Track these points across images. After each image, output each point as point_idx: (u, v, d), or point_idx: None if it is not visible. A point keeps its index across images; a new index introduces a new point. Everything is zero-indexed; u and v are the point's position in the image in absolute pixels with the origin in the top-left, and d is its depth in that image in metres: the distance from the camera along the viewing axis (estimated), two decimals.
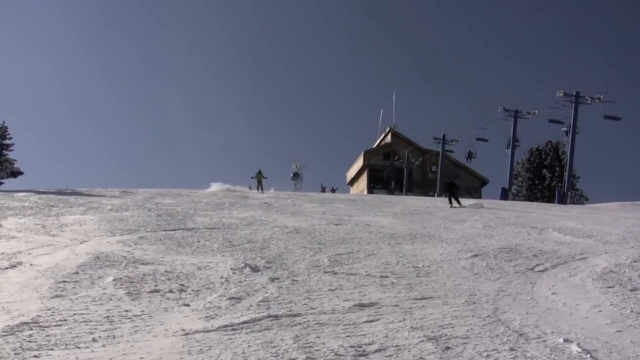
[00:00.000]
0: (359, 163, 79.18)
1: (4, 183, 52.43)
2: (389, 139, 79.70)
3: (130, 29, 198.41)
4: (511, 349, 7.25)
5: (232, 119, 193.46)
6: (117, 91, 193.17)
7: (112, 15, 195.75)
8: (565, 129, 58.15)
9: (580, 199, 67.91)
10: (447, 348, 7.24)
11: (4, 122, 53.47)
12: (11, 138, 53.51)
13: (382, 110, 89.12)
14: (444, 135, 70.29)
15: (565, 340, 7.60)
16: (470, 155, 67.43)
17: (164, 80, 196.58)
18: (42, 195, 31.58)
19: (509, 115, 62.85)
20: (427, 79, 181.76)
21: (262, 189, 50.35)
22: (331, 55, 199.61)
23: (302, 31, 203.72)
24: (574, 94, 56.73)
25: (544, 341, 7.64)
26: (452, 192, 32.81)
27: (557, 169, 69.00)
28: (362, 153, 78.66)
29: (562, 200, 52.87)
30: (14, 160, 53.32)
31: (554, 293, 10.51)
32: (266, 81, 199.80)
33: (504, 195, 58.90)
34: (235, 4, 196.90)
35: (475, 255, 14.10)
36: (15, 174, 53.38)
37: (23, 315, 8.28)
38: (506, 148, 66.44)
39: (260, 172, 51.60)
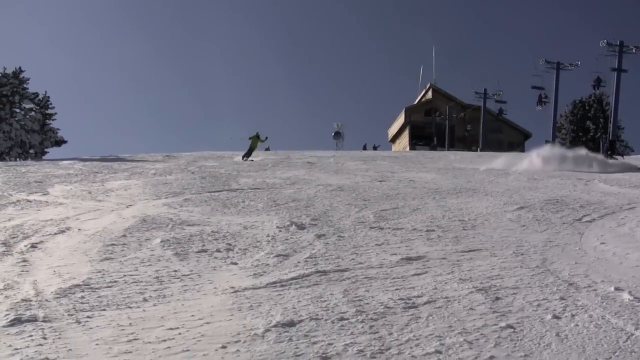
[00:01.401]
0: (400, 120, 78.77)
1: (48, 152, 52.98)
2: (430, 95, 79.13)
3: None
4: (561, 298, 7.22)
5: (272, 81, 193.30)
6: (157, 56, 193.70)
7: None
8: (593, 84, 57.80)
9: (625, 150, 66.98)
10: (497, 298, 7.23)
11: (46, 92, 53.92)
12: (54, 107, 53.96)
13: (422, 66, 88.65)
14: (485, 90, 69.61)
15: (617, 289, 7.55)
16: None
17: (204, 43, 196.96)
18: (87, 163, 31.87)
19: (551, 68, 62.00)
20: (467, 33, 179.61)
21: (247, 156, 37.94)
22: (371, 13, 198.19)
23: None
24: (618, 43, 55.77)
25: (595, 290, 7.60)
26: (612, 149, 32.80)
27: (601, 120, 68.05)
28: (403, 110, 78.20)
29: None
30: (58, 129, 53.82)
31: (603, 243, 10.43)
32: (305, 41, 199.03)
33: None
34: None
35: (522, 208, 14.03)
36: (59, 142, 53.87)
37: (74, 278, 8.39)
38: (536, 105, 65.74)
39: (257, 136, 40.21)
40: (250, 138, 39.88)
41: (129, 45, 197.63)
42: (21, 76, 52.12)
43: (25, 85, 52.09)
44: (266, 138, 41.14)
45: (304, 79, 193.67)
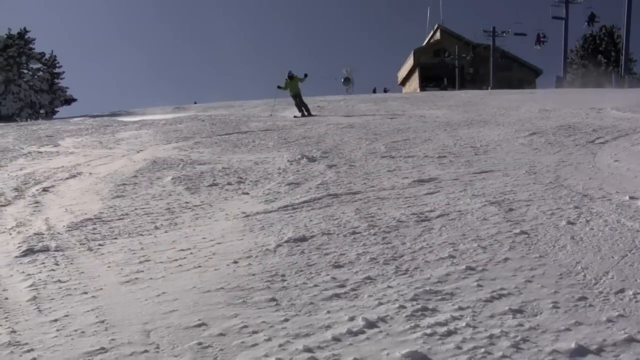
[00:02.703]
0: (409, 63, 78.05)
1: (58, 111, 52.91)
2: (438, 36, 78.41)
3: None
4: (576, 207, 7.17)
5: (278, 29, 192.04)
6: (162, 9, 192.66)
7: None
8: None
9: (638, 82, 66.28)
10: (511, 210, 7.19)
11: (52, 51, 53.76)
12: (61, 66, 53.76)
13: (429, 7, 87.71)
14: (493, 28, 68.78)
15: (631, 198, 7.50)
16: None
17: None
18: (97, 118, 31.83)
19: (561, 2, 61.12)
20: None
21: (305, 108, 26.18)
22: None
23: None
24: None
25: (609, 200, 7.55)
26: None
27: (612, 54, 67.21)
28: (412, 52, 77.54)
29: (619, 84, 51.67)
30: (66, 88, 53.65)
31: (617, 160, 10.36)
32: None
33: (559, 83, 57.76)
34: None
35: (534, 134, 13.93)
36: (69, 101, 53.74)
37: (86, 214, 8.40)
38: (534, 44, 65.14)
39: (294, 77, 26.64)
40: (285, 86, 26.80)
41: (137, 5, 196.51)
42: (27, 37, 51.85)
43: (31, 46, 51.83)
44: (306, 76, 27.03)
45: (310, 25, 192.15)
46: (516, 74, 70.78)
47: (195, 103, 43.04)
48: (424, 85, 72.39)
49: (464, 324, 4.12)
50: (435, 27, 78.67)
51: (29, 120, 45.20)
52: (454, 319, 4.22)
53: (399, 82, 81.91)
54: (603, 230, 6.18)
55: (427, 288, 4.80)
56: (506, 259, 5.39)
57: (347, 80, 72.69)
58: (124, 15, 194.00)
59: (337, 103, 32.77)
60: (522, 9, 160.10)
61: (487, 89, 56.20)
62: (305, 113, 26.08)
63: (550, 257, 5.41)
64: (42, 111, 50.74)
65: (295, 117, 25.49)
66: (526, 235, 6.09)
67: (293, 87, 26.83)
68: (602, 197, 7.68)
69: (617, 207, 7.11)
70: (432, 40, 79.03)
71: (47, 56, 52.87)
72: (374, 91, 64.92)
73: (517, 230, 6.26)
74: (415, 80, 76.18)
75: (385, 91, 65.95)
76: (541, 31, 65.23)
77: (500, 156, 11.31)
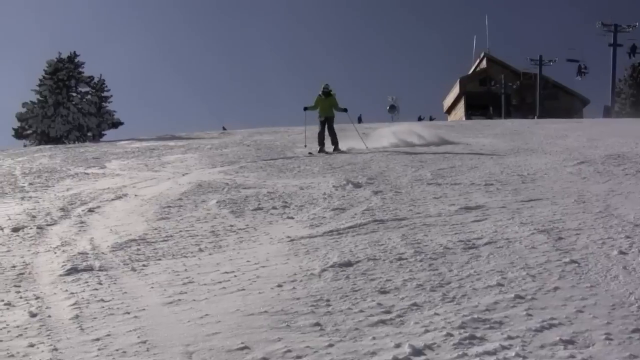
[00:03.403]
0: (455, 91, 77.92)
1: (105, 134, 53.41)
2: (484, 64, 78.18)
3: None
4: (627, 237, 7.02)
5: (324, 56, 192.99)
6: (208, 36, 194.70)
7: None
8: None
9: None
10: (560, 238, 7.06)
11: (101, 75, 54.30)
12: (109, 90, 54.31)
13: (475, 36, 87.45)
14: (540, 56, 68.48)
15: None
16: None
17: (256, 18, 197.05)
18: (143, 142, 32.11)
19: (609, 31, 60.66)
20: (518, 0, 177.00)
21: (333, 140, 20.88)
22: None
23: None
24: None
25: None
26: None
27: None
28: (458, 80, 77.42)
29: None
30: (114, 111, 54.10)
31: None
32: (356, 15, 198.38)
33: (607, 113, 57.19)
34: None
35: (582, 162, 13.72)
36: (116, 124, 54.20)
37: (130, 235, 8.42)
38: (576, 75, 64.78)
39: (331, 95, 21.07)
40: (315, 105, 21.12)
41: (182, 26, 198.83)
42: (76, 60, 52.58)
43: (80, 70, 52.52)
44: (345, 110, 21.74)
45: (356, 54, 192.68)
46: (563, 103, 70.21)
47: (224, 129, 42.84)
48: (470, 113, 72.08)
49: (513, 354, 4.02)
50: (482, 56, 78.50)
51: (76, 142, 45.69)
52: (503, 348, 4.12)
53: (444, 110, 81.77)
54: None
55: (475, 316, 4.70)
56: (556, 288, 5.28)
57: (392, 108, 72.66)
58: (170, 40, 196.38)
59: (382, 130, 32.73)
60: (569, 37, 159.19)
61: (534, 117, 55.75)
62: (332, 147, 20.60)
63: (602, 287, 5.28)
64: (89, 134, 51.30)
65: (310, 153, 19.86)
66: (576, 265, 5.96)
67: (326, 108, 20.83)
68: None
69: None
70: (478, 69, 78.85)
71: (95, 80, 53.49)
72: (420, 119, 64.77)
73: (567, 259, 6.13)
74: (460, 109, 75.97)
75: (431, 119, 65.75)
76: (583, 62, 64.90)
77: (548, 184, 11.15)
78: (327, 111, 21.13)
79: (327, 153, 20.07)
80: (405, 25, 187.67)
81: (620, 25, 60.55)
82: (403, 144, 21.56)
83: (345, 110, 21.80)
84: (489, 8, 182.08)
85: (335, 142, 20.94)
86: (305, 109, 21.69)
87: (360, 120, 59.23)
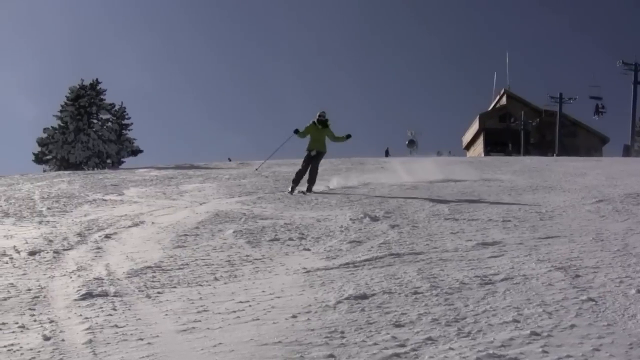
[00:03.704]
0: (474, 127, 77.99)
1: (125, 162, 53.73)
2: (504, 101, 78.24)
3: (244, 5, 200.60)
4: None
5: (343, 90, 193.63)
6: (230, 67, 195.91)
7: None
8: None
9: None
10: (577, 276, 7.00)
11: (122, 102, 54.77)
12: (129, 118, 54.75)
13: (495, 73, 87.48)
14: (560, 94, 68.52)
15: None
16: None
17: (274, 50, 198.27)
18: (162, 170, 32.23)
19: (629, 69, 60.68)
20: (540, 37, 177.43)
21: (313, 178, 18.06)
22: (443, 20, 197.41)
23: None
24: None
25: None
26: None
27: None
28: (478, 116, 77.49)
29: None
30: (134, 139, 54.47)
31: None
32: (377, 49, 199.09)
33: (626, 152, 57.03)
34: None
35: (600, 201, 13.65)
36: (136, 152, 54.59)
37: (146, 262, 8.44)
38: (593, 115, 64.91)
39: (326, 124, 18.15)
40: (305, 132, 18.17)
41: (205, 56, 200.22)
42: (98, 87, 53.14)
43: (102, 97, 53.08)
44: (348, 136, 18.63)
45: (376, 88, 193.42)
46: (582, 141, 70.17)
47: (229, 160, 42.79)
48: (489, 150, 72.10)
49: None
50: (502, 92, 78.61)
51: (95, 169, 45.96)
52: None
53: (463, 146, 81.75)
54: None
55: (490, 352, 4.67)
56: (572, 326, 5.23)
57: (411, 143, 72.85)
58: (194, 70, 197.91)
59: (401, 165, 32.73)
60: (590, 75, 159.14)
61: (553, 155, 55.63)
62: (306, 185, 17.82)
63: (620, 326, 5.23)
64: (108, 161, 51.67)
65: (290, 192, 17.35)
66: (593, 302, 5.91)
67: (320, 141, 17.95)
68: None
69: None
70: (498, 105, 78.95)
71: (116, 107, 53.93)
72: (438, 154, 64.76)
73: (584, 297, 6.08)
74: (479, 145, 75.95)
75: (449, 155, 65.73)
76: (601, 102, 65.05)
77: (566, 222, 11.10)
78: (320, 145, 17.97)
79: (302, 193, 17.23)
80: (427, 61, 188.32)
81: None
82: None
83: (349, 136, 18.54)
84: (510, 45, 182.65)
85: (312, 181, 17.83)
86: (296, 132, 18.09)
87: (387, 153, 59.48)
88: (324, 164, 20.94)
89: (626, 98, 62.73)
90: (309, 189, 17.69)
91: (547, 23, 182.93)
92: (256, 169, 20.90)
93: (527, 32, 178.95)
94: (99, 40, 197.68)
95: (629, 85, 62.13)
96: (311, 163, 17.98)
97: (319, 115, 18.12)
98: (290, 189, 17.58)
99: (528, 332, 5.08)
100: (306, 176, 17.99)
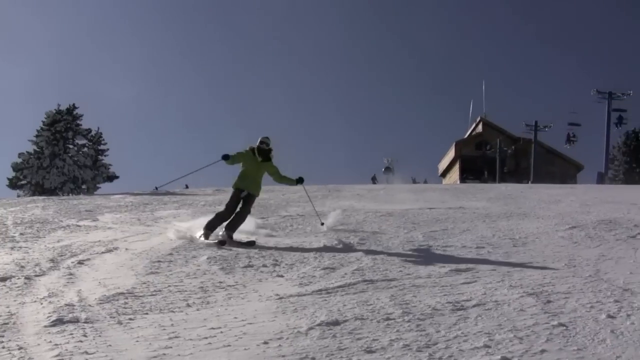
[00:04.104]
0: (450, 154, 78.45)
1: (100, 187, 53.53)
2: (480, 128, 78.79)
3: (213, 29, 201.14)
4: (616, 301, 7.07)
5: (318, 115, 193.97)
6: (206, 91, 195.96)
7: (195, 16, 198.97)
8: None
9: None
10: (549, 302, 7.08)
11: (98, 128, 54.66)
12: (106, 143, 54.62)
13: (472, 100, 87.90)
14: (535, 122, 69.13)
15: None
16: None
17: (255, 76, 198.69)
18: (137, 196, 32.11)
19: (603, 98, 61.45)
20: (516, 65, 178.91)
21: (238, 223, 12.91)
22: (419, 48, 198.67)
23: (387, 24, 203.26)
24: None
25: None
26: None
27: None
28: (454, 144, 77.96)
29: None
30: (110, 165, 54.39)
31: None
32: (352, 76, 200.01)
33: (600, 179, 57.55)
34: (319, 3, 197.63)
35: (574, 227, 13.76)
36: (111, 178, 54.42)
37: (119, 288, 8.37)
38: (565, 143, 65.81)
39: (268, 155, 13.28)
40: (238, 159, 13.33)
41: (181, 82, 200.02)
42: (75, 112, 53.06)
43: (78, 122, 52.98)
44: (299, 181, 13.83)
45: (350, 115, 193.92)
46: (557, 168, 70.76)
47: (186, 187, 42.11)
48: (464, 177, 72.50)
49: None
50: (478, 120, 79.17)
51: (70, 194, 45.73)
52: None
53: (439, 174, 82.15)
54: None
55: None
56: (543, 351, 5.28)
57: (387, 170, 73.11)
58: (169, 95, 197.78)
59: (377, 192, 32.81)
60: (566, 103, 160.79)
61: (528, 182, 56.01)
62: (229, 232, 12.67)
63: (589, 350, 5.28)
64: (84, 186, 51.44)
65: (204, 237, 12.79)
66: (564, 328, 5.96)
67: (253, 176, 13.17)
68: None
69: None
70: (474, 133, 79.46)
71: (93, 132, 53.80)
72: (414, 181, 65.01)
73: (555, 322, 6.13)
74: (455, 172, 76.34)
75: (425, 182, 66.04)
76: (572, 131, 66.02)
77: (539, 248, 11.20)
78: (254, 184, 13.16)
79: (219, 244, 12.24)
80: (404, 88, 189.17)
81: (614, 92, 61.41)
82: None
83: (300, 181, 13.79)
84: (486, 73, 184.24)
85: (234, 228, 12.80)
86: (225, 158, 13.17)
87: (374, 180, 59.67)
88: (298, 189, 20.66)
89: (601, 126, 63.45)
90: (229, 236, 12.59)
91: (523, 51, 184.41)
92: (156, 188, 16.67)
93: (504, 60, 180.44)
94: (78, 64, 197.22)
95: (604, 113, 63.01)
96: (240, 206, 13.05)
97: (261, 142, 13.30)
98: (202, 234, 12.89)
99: (499, 357, 5.11)
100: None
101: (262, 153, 13.21)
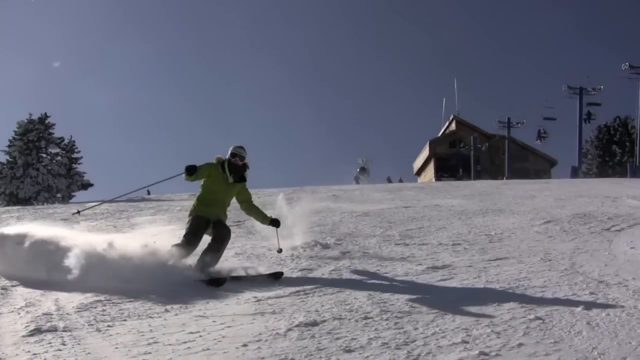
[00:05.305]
0: (425, 153, 78.52)
1: (75, 196, 53.24)
2: (453, 126, 78.98)
3: (194, 35, 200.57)
4: (592, 293, 7.16)
5: (293, 117, 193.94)
6: (182, 97, 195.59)
7: (177, 23, 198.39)
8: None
9: None
10: (525, 296, 7.18)
11: (71, 136, 54.35)
12: (79, 152, 54.34)
13: (444, 99, 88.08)
14: (509, 119, 69.34)
15: None
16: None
17: (228, 80, 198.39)
18: (113, 203, 31.94)
19: (574, 93, 61.87)
20: (487, 63, 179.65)
21: (218, 256, 9.55)
22: (393, 48, 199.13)
23: (359, 24, 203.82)
24: None
25: (625, 286, 7.54)
26: None
27: (627, 144, 67.21)
28: (428, 143, 78.08)
29: (635, 174, 51.61)
30: (84, 172, 54.11)
31: (633, 248, 10.34)
32: (325, 75, 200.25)
33: (574, 174, 57.86)
34: (295, 4, 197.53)
35: (549, 222, 13.87)
36: (86, 186, 54.14)
37: (97, 295, 8.33)
38: (536, 139, 66.34)
39: (243, 174, 9.90)
40: (205, 173, 9.74)
41: (158, 89, 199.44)
42: (47, 122, 52.76)
43: (51, 131, 52.67)
44: (272, 222, 10.65)
45: (324, 116, 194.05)
46: (532, 164, 71.13)
47: (148, 193, 41.50)
48: (440, 175, 72.59)
49: None
50: (451, 118, 79.36)
51: (45, 204, 45.43)
52: None
53: (414, 172, 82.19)
54: (620, 316, 6.12)
55: None
56: (520, 344, 5.31)
57: (363, 170, 73.12)
58: (142, 101, 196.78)
59: (352, 192, 32.83)
60: (539, 99, 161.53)
61: (503, 179, 56.24)
62: (204, 270, 9.31)
63: (566, 343, 5.33)
64: (58, 195, 51.13)
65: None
66: (541, 321, 6.01)
67: (222, 200, 9.98)
68: (619, 284, 7.67)
69: (633, 293, 7.09)
70: (447, 131, 79.61)
71: (66, 141, 53.49)
72: (389, 180, 65.04)
73: (532, 316, 6.18)
74: (430, 171, 76.45)
75: (400, 181, 66.09)
76: (542, 127, 66.55)
77: (515, 244, 11.27)
78: (222, 209, 10.06)
79: (215, 284, 8.83)
80: (376, 87, 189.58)
81: (585, 88, 61.86)
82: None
83: (276, 223, 10.69)
84: (458, 71, 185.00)
85: (216, 257, 9.66)
86: (188, 169, 9.67)
87: (358, 181, 59.74)
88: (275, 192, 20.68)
89: (573, 121, 63.84)
90: (210, 265, 9.54)
91: (494, 48, 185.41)
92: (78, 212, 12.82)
93: (475, 58, 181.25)
94: (49, 72, 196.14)
95: (576, 109, 63.44)
96: (214, 231, 9.86)
97: (233, 154, 9.89)
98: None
99: (477, 352, 5.14)
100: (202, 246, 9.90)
101: (235, 170, 9.82)
